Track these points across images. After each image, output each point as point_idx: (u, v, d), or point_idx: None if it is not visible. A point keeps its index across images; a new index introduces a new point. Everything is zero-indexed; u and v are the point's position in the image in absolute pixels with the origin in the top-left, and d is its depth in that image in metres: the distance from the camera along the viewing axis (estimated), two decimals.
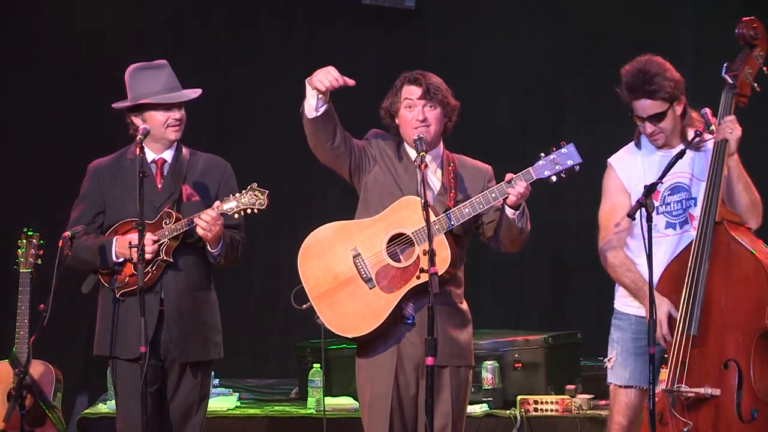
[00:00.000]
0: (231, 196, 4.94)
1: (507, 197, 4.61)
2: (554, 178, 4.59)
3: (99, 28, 8.28)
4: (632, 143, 5.05)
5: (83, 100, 8.09)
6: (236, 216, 4.94)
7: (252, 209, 4.93)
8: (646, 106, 4.87)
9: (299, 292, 4.82)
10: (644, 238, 4.55)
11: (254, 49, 8.79)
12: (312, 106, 4.69)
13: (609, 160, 5.06)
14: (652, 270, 4.59)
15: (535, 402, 6.65)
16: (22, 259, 5.91)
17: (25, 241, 5.92)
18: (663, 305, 4.77)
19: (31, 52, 8.22)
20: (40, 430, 6.16)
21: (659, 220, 4.90)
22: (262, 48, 8.80)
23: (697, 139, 4.80)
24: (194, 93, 5.14)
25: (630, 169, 4.98)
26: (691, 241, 4.81)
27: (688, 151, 4.85)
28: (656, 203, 4.90)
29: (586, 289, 8.81)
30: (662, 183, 4.81)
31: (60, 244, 4.89)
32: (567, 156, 4.59)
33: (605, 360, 5.05)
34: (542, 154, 4.60)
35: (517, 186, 4.57)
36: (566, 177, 4.59)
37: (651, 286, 4.58)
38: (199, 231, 4.88)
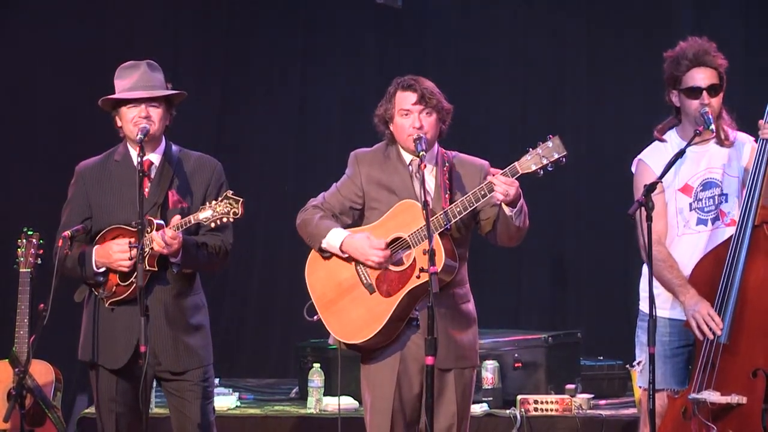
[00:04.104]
0: (207, 204, 4.78)
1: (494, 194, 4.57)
2: (541, 172, 4.54)
3: (100, 30, 8.30)
4: (656, 143, 4.95)
5: (84, 100, 8.08)
6: (212, 225, 4.79)
7: (227, 218, 4.76)
8: (708, 74, 4.77)
9: (311, 305, 4.83)
10: (644, 238, 4.51)
11: (254, 48, 8.79)
12: (334, 248, 4.76)
13: (640, 157, 4.94)
14: (652, 270, 4.55)
15: (535, 402, 6.64)
16: (22, 259, 5.89)
17: (25, 241, 5.90)
18: (702, 306, 4.67)
19: (32, 52, 8.22)
20: (40, 430, 6.15)
21: (691, 217, 4.83)
22: (262, 47, 8.79)
23: (697, 138, 4.75)
24: (161, 92, 4.90)
25: (663, 163, 4.77)
26: (725, 240, 4.72)
27: (719, 147, 4.79)
28: (689, 200, 4.84)
29: (586, 289, 8.81)
30: (696, 178, 4.78)
31: (60, 244, 4.89)
32: (553, 149, 4.52)
33: (634, 363, 4.97)
34: (529, 149, 4.55)
35: (499, 179, 4.52)
36: (553, 170, 4.53)
37: (651, 286, 4.54)
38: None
